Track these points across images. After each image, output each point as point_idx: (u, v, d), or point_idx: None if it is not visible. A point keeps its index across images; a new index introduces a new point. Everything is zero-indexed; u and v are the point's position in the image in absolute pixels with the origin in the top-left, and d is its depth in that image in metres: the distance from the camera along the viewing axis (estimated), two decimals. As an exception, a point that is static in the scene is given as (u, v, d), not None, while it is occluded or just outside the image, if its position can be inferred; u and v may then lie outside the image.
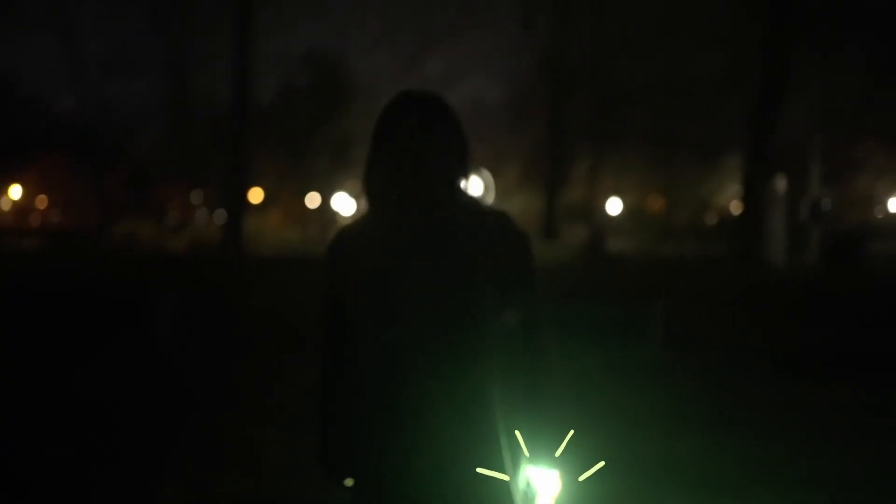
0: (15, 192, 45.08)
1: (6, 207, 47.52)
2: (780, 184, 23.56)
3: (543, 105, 39.34)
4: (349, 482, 2.12)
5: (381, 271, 2.03)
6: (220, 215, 32.56)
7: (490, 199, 41.77)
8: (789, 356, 9.27)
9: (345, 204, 40.43)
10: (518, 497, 2.01)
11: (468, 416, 1.98)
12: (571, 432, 2.02)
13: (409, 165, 2.05)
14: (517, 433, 2.00)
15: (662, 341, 9.38)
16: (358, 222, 2.16)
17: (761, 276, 18.90)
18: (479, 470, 1.95)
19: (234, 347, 9.67)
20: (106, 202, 39.82)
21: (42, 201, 47.12)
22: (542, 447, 2.02)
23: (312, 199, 45.77)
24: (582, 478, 2.06)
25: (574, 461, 2.06)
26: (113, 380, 7.80)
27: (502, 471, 1.98)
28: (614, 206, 41.61)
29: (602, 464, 2.18)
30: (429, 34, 40.49)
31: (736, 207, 41.38)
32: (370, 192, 2.12)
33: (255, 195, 44.29)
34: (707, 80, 31.76)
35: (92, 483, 4.91)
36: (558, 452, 2.01)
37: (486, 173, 33.52)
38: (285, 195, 45.31)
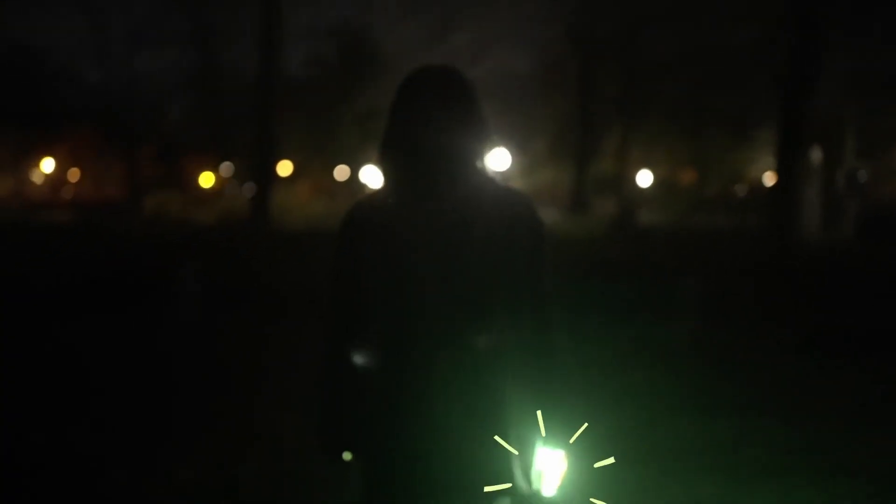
0: (47, 165, 45.43)
1: (39, 181, 47.97)
2: (816, 155, 23.13)
3: (572, 77, 38.87)
4: (347, 456, 2.13)
5: (393, 249, 2.02)
6: (250, 188, 32.59)
7: (511, 175, 41.52)
8: (825, 334, 9.04)
9: (373, 177, 40.30)
10: (529, 476, 2.02)
11: (476, 397, 1.97)
12: (585, 425, 2.01)
13: (425, 142, 2.03)
14: (538, 414, 2.00)
15: (695, 318, 9.18)
16: (373, 197, 2.14)
17: (796, 250, 18.55)
18: (496, 438, 1.96)
19: (255, 321, 9.62)
20: (136, 175, 39.98)
21: (74, 174, 47.48)
22: (550, 428, 2.02)
23: (341, 172, 45.71)
24: (597, 465, 2.11)
25: (584, 444, 2.05)
26: (128, 354, 7.79)
27: (509, 451, 1.98)
28: (645, 178, 41.16)
29: (611, 460, 2.23)
30: (456, 5, 40.03)
31: (768, 179, 40.80)
32: (385, 167, 2.10)
33: (284, 168, 44.31)
34: (739, 50, 31.14)
35: (105, 462, 4.85)
36: (571, 440, 2.02)
37: (506, 151, 33.28)
38: (314, 168, 45.27)
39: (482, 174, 2.08)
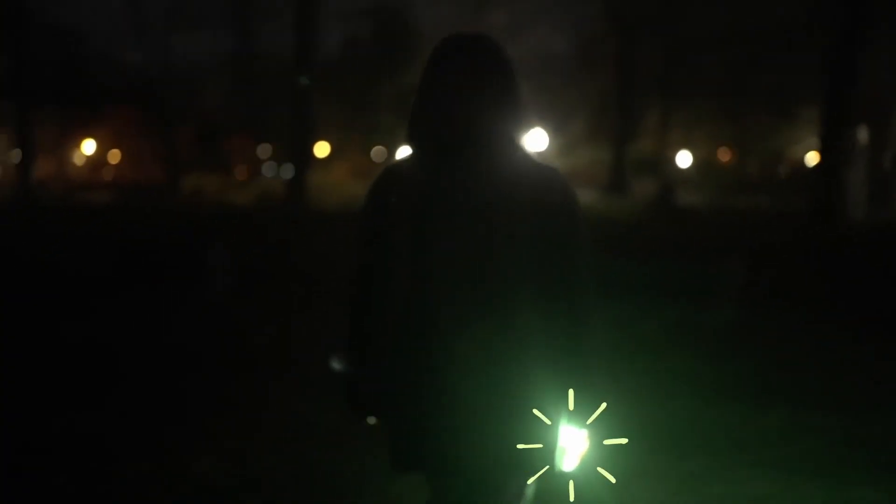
0: (88, 146, 45.80)
1: (80, 162, 48.40)
2: (862, 135, 22.54)
3: (611, 55, 38.28)
4: (372, 420, 2.16)
5: (420, 222, 1.98)
6: (288, 169, 32.60)
7: (548, 156, 41.14)
8: (875, 320, 8.66)
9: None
10: (554, 452, 2.01)
11: (500, 371, 1.95)
12: (604, 405, 1.99)
13: (456, 112, 1.97)
14: (570, 392, 1.97)
15: (741, 301, 8.84)
16: (402, 165, 2.09)
17: (842, 232, 18.07)
18: (534, 412, 1.94)
19: (283, 304, 9.48)
20: (174, 156, 40.17)
21: (115, 156, 47.83)
22: (576, 409, 1.99)
23: (378, 153, 45.61)
24: (607, 442, 2.03)
25: (605, 426, 2.04)
26: (148, 336, 7.72)
27: (533, 427, 1.96)
28: (684, 159, 40.54)
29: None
30: (494, -17, 39.57)
31: (811, 160, 40.07)
32: (414, 136, 2.06)
33: (321, 149, 44.34)
34: (783, 27, 30.44)
35: (117, 446, 4.76)
36: (590, 420, 1.99)
37: (543, 131, 32.93)
38: (351, 149, 45.21)
39: (515, 149, 2.01)
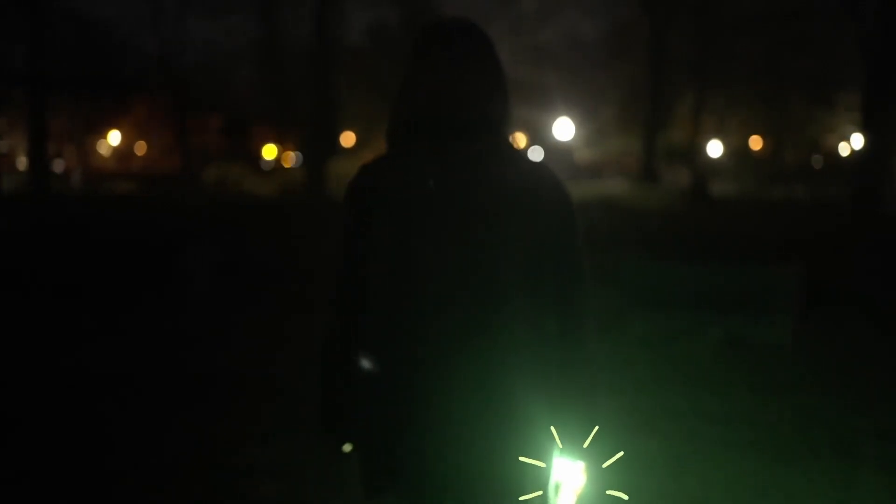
0: (114, 137, 45.89)
1: (106, 153, 48.52)
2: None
3: (641, 42, 37.36)
4: (348, 448, 2.01)
5: (401, 228, 1.82)
6: (307, 158, 32.17)
7: (577, 145, 40.32)
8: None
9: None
10: (547, 489, 1.86)
11: (490, 396, 1.79)
12: (597, 427, 1.83)
13: (439, 105, 1.85)
14: (552, 429, 1.83)
15: (800, 313, 7.19)
16: (380, 164, 1.92)
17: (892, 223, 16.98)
18: (521, 459, 1.80)
19: (266, 310, 8.47)
20: (197, 146, 39.90)
21: (141, 147, 47.89)
22: (569, 437, 1.84)
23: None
24: (606, 465, 1.84)
25: (602, 454, 1.84)
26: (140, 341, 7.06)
27: (527, 446, 1.81)
28: (715, 148, 39.57)
29: (621, 454, 1.88)
30: (522, -32, 38.78)
31: (844, 149, 39.02)
32: (394, 131, 1.91)
33: (347, 139, 43.92)
34: (822, 8, 29.38)
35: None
36: (585, 444, 1.83)
37: (570, 120, 32.12)
38: (378, 138, 44.78)
39: (507, 146, 1.87)
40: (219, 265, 8.40)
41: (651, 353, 6.50)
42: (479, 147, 1.84)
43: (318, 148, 27.58)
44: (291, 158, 46.87)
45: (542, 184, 1.84)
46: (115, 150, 48.13)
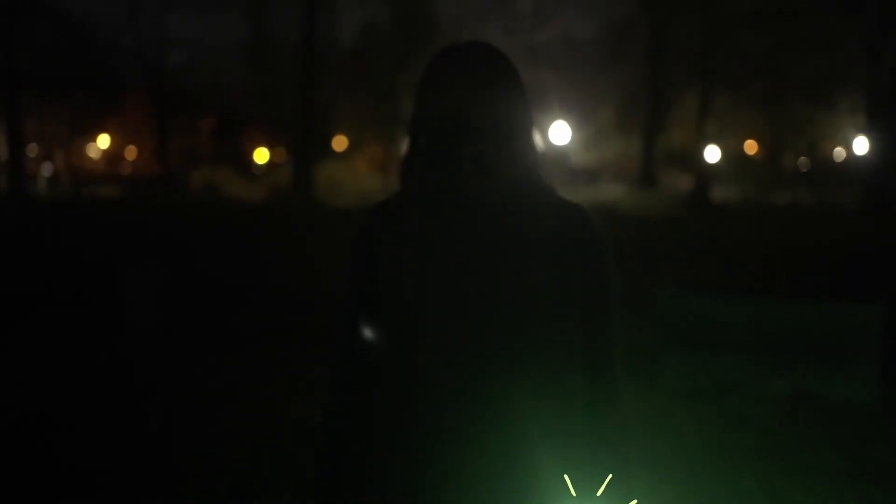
0: (102, 141, 45.42)
1: (95, 156, 47.99)
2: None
3: (640, 43, 36.61)
4: None
5: (418, 278, 1.67)
6: (295, 161, 31.43)
7: (573, 148, 39.61)
8: None
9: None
10: None
11: (515, 469, 1.66)
12: (610, 476, 1.65)
13: (458, 137, 1.67)
14: (566, 477, 1.68)
15: (883, 367, 5.59)
16: (395, 205, 1.74)
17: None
18: None
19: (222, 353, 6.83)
20: (186, 148, 39.19)
21: (131, 152, 47.42)
22: (593, 493, 1.69)
23: (402, 146, 44.40)
24: (599, 492, 1.62)
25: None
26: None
27: None
28: (712, 153, 38.86)
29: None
30: (518, -33, 38.04)
31: (839, 155, 38.42)
32: (408, 167, 1.74)
33: (339, 143, 43.18)
34: (824, 8, 28.69)
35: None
36: (599, 492, 1.68)
37: (566, 124, 31.42)
38: (370, 142, 44.09)
39: (528, 181, 1.70)
40: (166, 284, 7.35)
41: (692, 411, 5.15)
42: (502, 187, 1.70)
43: (306, 152, 26.72)
44: (286, 160, 46.28)
45: (576, 226, 1.70)
46: (105, 153, 47.58)
